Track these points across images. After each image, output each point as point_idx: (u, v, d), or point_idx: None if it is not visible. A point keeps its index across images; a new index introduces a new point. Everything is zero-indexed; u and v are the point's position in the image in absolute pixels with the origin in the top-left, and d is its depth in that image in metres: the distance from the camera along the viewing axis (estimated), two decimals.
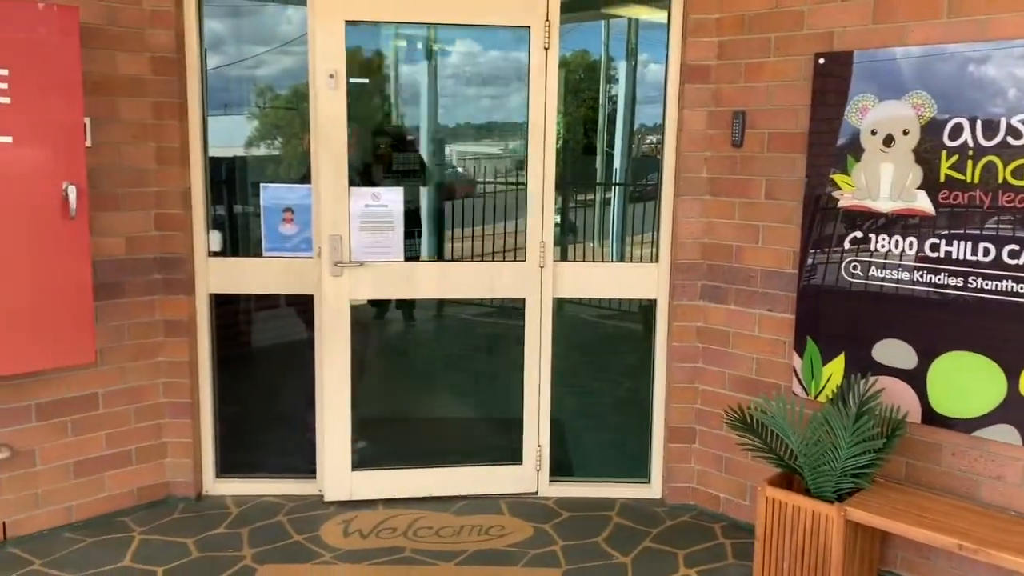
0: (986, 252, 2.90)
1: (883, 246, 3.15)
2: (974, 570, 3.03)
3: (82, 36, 3.26)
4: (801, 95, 3.36)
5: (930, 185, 3.01)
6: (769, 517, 3.09)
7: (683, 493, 3.91)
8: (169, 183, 3.67)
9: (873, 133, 3.14)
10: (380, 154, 3.99)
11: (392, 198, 3.73)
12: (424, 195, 4.11)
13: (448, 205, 4.24)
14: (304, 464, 3.98)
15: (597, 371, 4.41)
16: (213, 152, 3.81)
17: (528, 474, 3.98)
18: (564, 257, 4.14)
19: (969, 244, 2.94)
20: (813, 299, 3.37)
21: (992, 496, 2.98)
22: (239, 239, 3.96)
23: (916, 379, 3.11)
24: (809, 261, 3.37)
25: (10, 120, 3.04)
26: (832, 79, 3.24)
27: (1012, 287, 2.86)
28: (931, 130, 2.99)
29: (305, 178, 3.78)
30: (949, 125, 2.95)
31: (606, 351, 4.44)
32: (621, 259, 4.48)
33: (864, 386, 3.08)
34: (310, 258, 3.80)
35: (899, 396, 3.15)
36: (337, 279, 3.67)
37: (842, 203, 3.25)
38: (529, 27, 3.66)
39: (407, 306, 4.25)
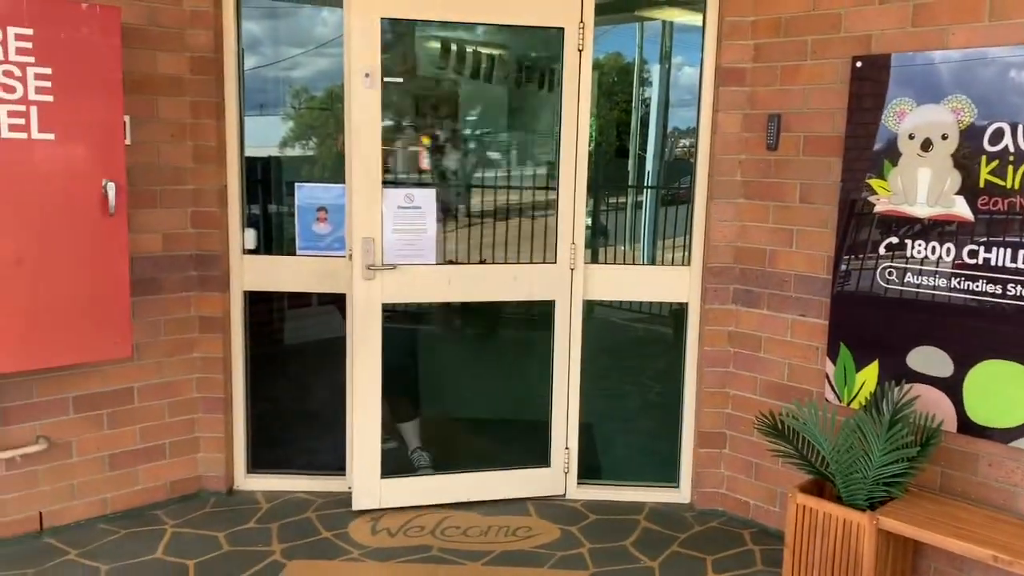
0: None
1: (919, 252, 3.11)
2: None
3: (123, 36, 3.32)
4: (837, 98, 3.32)
5: (969, 190, 2.96)
6: (799, 524, 3.06)
7: (712, 498, 3.89)
8: (206, 181, 3.72)
9: (911, 137, 3.10)
10: (415, 154, 4.01)
11: (425, 199, 3.72)
12: (453, 196, 4.11)
13: (481, 205, 4.23)
14: (334, 461, 4.02)
15: (627, 374, 4.40)
16: (249, 152, 3.85)
17: (556, 476, 3.98)
18: (595, 260, 4.12)
19: (1009, 251, 2.89)
20: (847, 305, 3.33)
21: None
22: (273, 237, 4.00)
23: (952, 387, 3.06)
24: (843, 266, 3.33)
25: (52, 118, 3.10)
26: (869, 82, 3.20)
27: None
28: (970, 135, 2.95)
29: (339, 178, 3.81)
30: (990, 130, 2.90)
31: (636, 354, 4.43)
32: (652, 262, 4.46)
33: (898, 393, 3.04)
34: (343, 257, 3.83)
35: (934, 404, 3.10)
36: (369, 282, 3.66)
37: (878, 208, 3.21)
38: (563, 28, 3.66)
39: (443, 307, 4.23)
